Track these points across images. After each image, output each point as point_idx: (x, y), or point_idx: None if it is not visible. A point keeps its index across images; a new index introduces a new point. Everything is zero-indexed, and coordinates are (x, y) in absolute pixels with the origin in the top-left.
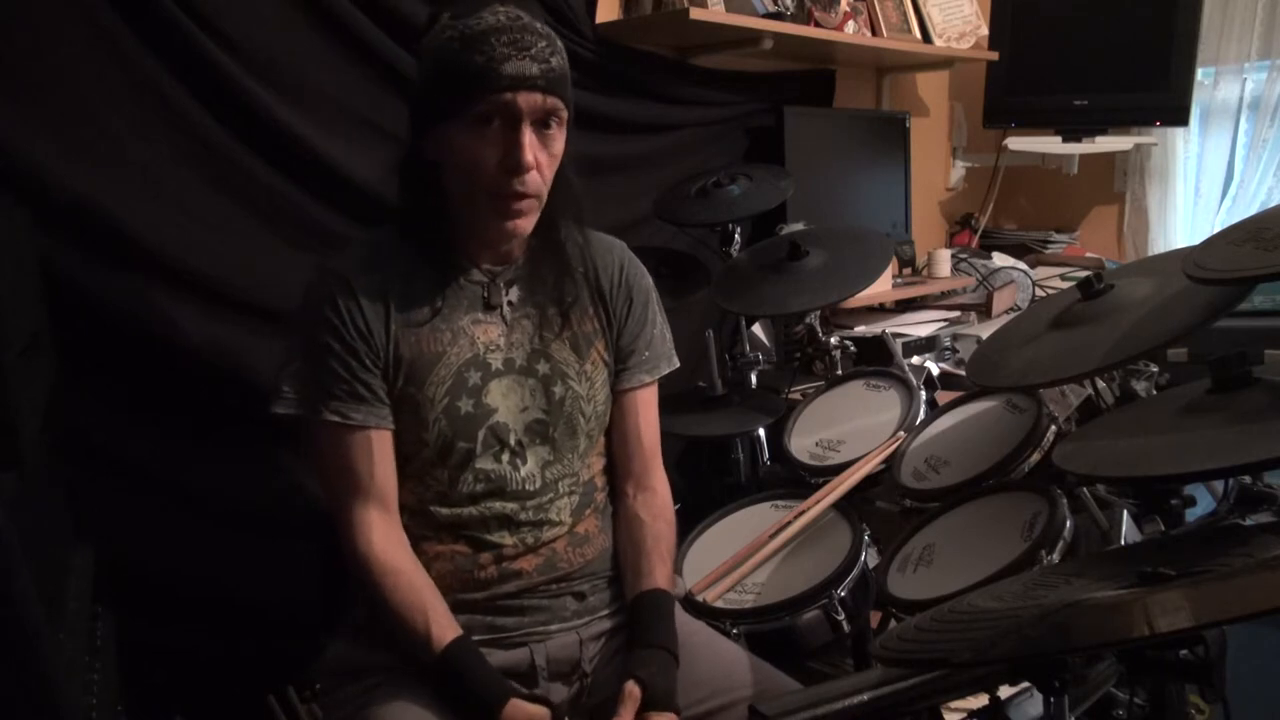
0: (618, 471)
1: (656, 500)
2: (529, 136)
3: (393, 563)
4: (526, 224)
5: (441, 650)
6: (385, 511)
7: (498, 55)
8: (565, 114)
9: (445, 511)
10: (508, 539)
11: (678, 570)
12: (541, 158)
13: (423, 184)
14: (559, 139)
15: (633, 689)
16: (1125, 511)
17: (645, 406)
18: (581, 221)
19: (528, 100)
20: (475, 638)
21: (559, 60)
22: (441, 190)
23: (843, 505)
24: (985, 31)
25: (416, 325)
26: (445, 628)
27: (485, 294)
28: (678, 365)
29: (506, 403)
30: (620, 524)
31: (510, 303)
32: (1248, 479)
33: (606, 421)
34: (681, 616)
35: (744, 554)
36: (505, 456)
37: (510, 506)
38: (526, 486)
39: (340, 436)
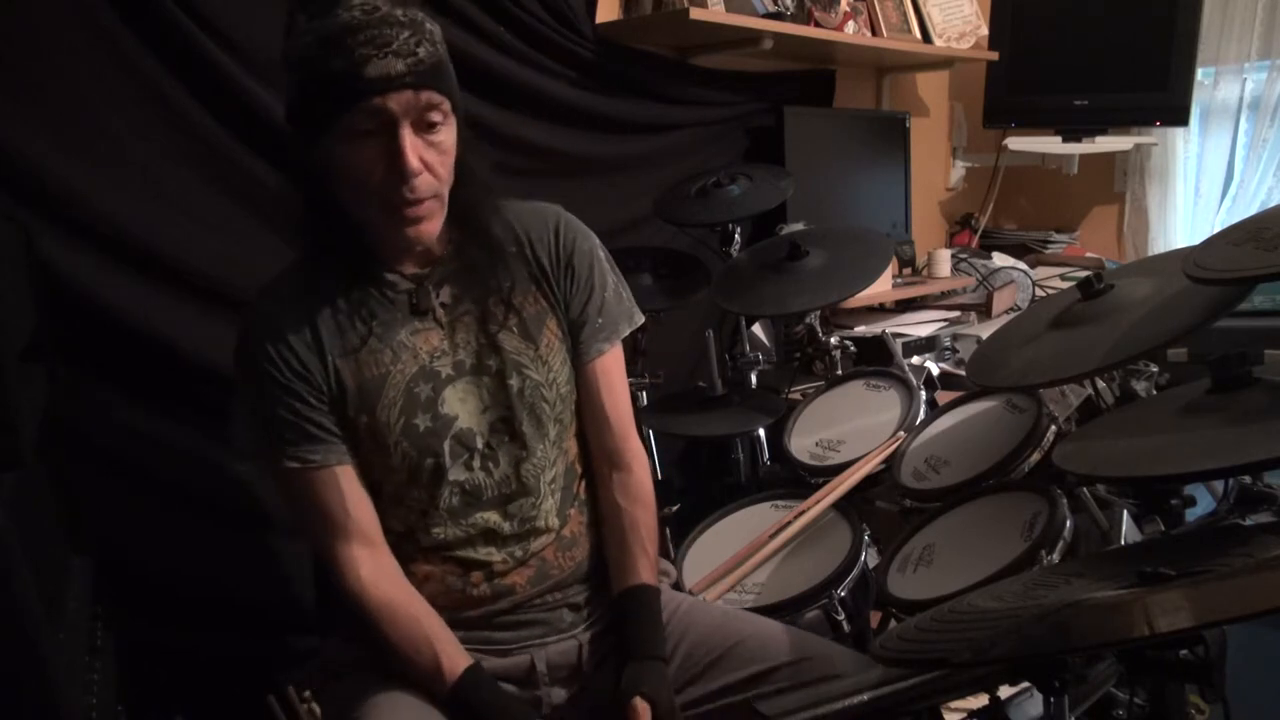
0: (591, 450)
1: (632, 480)
2: (409, 139)
3: (386, 596)
4: (430, 227)
5: (454, 683)
6: (369, 545)
7: (358, 57)
8: (448, 105)
9: (429, 534)
10: (496, 555)
11: (678, 571)
12: (430, 157)
13: (320, 201)
14: (446, 132)
15: (644, 706)
16: (1125, 511)
17: (608, 376)
18: (494, 203)
19: (399, 101)
20: (471, 649)
21: (429, 49)
22: (340, 205)
23: (843, 505)
24: (985, 31)
25: (353, 351)
26: (454, 657)
27: (413, 300)
28: (641, 321)
29: (465, 407)
30: (600, 509)
31: (444, 304)
32: (1248, 479)
33: (574, 402)
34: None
35: (744, 554)
36: (476, 462)
37: (493, 517)
38: (503, 490)
39: (305, 480)
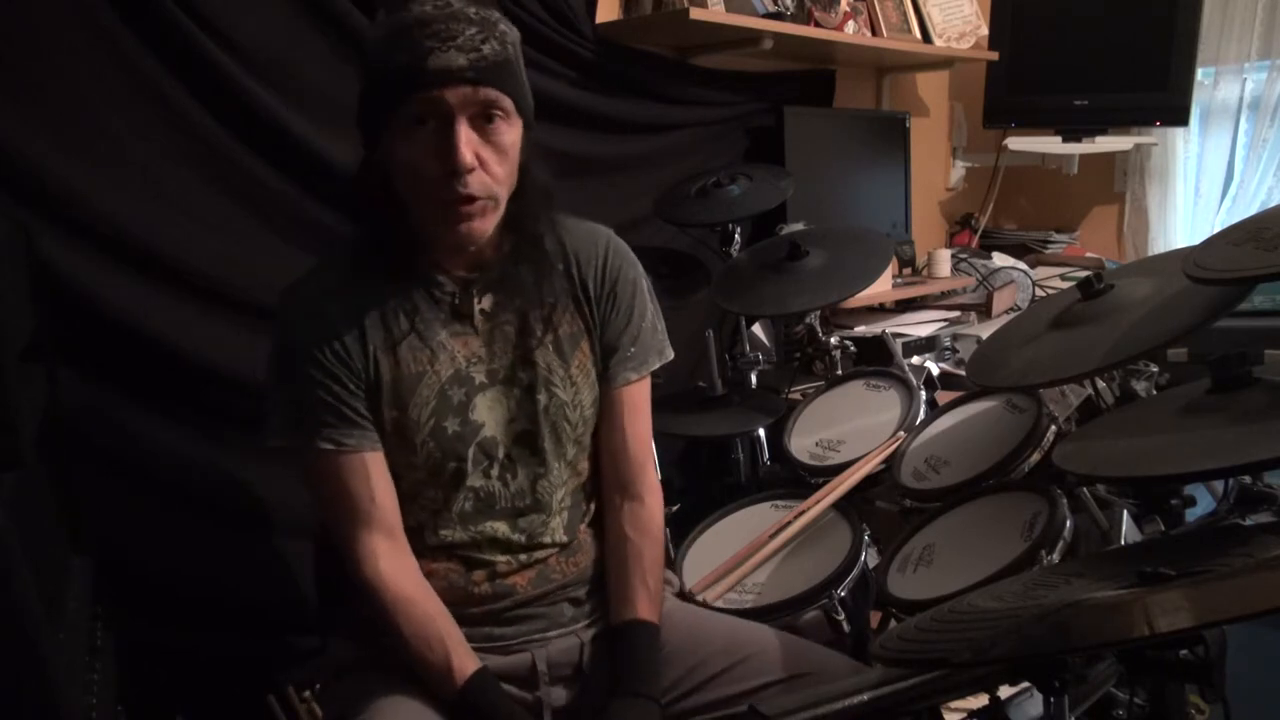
0: (604, 477)
1: (644, 512)
2: (465, 134)
3: (403, 590)
4: (481, 227)
5: (462, 685)
6: (390, 537)
7: (421, 50)
8: (509, 104)
9: (437, 534)
10: (500, 556)
11: (677, 571)
12: (486, 155)
13: (379, 196)
14: (506, 132)
15: None
16: (1125, 511)
17: (632, 406)
18: (552, 216)
19: (457, 95)
20: (474, 646)
21: (494, 47)
22: (400, 200)
23: (843, 505)
24: (985, 31)
25: (393, 345)
26: (464, 659)
27: (456, 302)
28: (671, 357)
29: (493, 416)
30: (607, 537)
31: (484, 311)
32: (1248, 479)
33: (594, 424)
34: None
35: (744, 554)
36: (494, 471)
37: (501, 528)
38: (517, 503)
39: (336, 464)
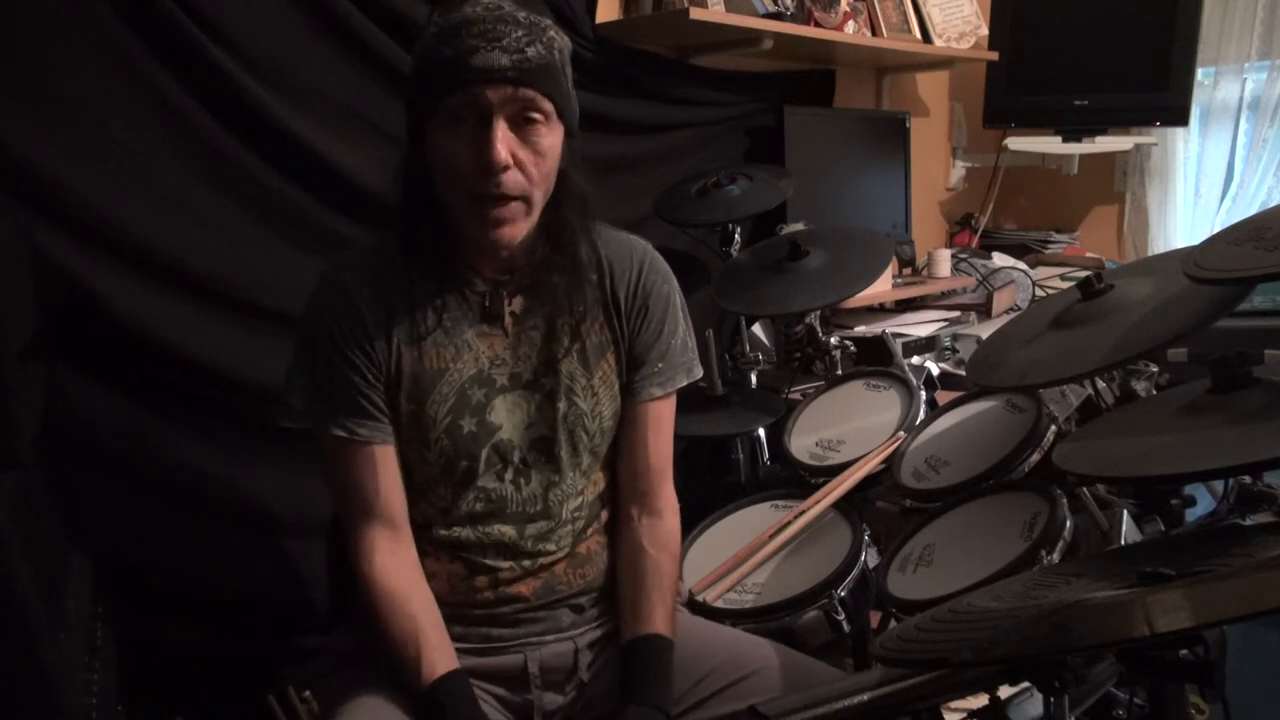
0: (622, 490)
1: (663, 528)
2: (502, 132)
3: (391, 587)
4: (512, 232)
5: (428, 685)
6: (392, 530)
7: (466, 48)
8: (549, 107)
9: (443, 532)
10: (504, 563)
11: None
12: (522, 155)
13: (420, 191)
14: (545, 134)
15: None
16: (1125, 511)
17: (656, 422)
18: (588, 225)
19: (497, 93)
20: (469, 646)
21: (538, 50)
22: (437, 197)
23: (843, 505)
24: (985, 31)
25: (419, 340)
26: (435, 661)
27: (486, 303)
28: (699, 376)
29: (511, 419)
30: (622, 550)
31: (513, 313)
32: (1248, 479)
33: (613, 436)
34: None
35: (744, 554)
36: (508, 475)
37: (509, 533)
38: (528, 509)
39: (347, 451)
